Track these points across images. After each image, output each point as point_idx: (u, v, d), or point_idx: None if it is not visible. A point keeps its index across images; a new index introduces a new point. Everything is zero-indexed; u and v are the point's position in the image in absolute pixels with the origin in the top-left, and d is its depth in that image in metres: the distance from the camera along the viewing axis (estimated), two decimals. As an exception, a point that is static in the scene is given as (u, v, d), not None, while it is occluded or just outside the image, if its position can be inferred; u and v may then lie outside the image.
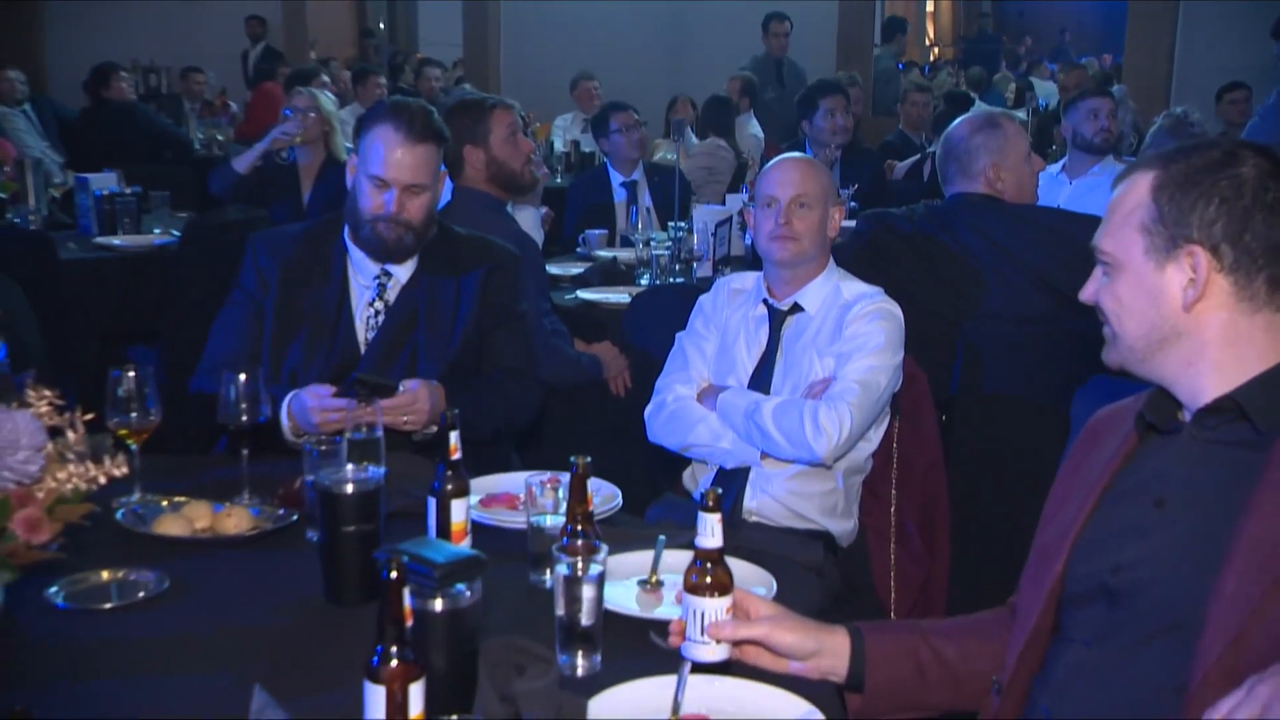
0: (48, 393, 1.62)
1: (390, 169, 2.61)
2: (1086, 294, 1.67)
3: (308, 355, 2.65)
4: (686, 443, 2.66)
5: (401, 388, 2.42)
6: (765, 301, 2.72)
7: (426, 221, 2.69)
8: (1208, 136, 1.64)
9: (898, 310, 2.64)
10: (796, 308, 2.69)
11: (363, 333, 2.71)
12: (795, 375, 2.63)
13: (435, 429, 2.44)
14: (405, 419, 2.43)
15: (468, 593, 1.49)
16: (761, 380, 2.66)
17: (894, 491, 2.73)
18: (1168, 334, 1.56)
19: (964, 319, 3.15)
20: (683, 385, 2.71)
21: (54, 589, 1.84)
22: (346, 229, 2.73)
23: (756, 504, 2.61)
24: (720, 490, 1.69)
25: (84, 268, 4.72)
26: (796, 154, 2.86)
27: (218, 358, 2.61)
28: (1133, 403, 1.68)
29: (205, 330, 2.78)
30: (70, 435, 1.61)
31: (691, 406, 2.67)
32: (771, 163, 2.77)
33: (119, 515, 2.11)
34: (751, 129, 7.97)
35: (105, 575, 1.91)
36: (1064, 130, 5.10)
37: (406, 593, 1.39)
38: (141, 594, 1.86)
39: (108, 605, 1.83)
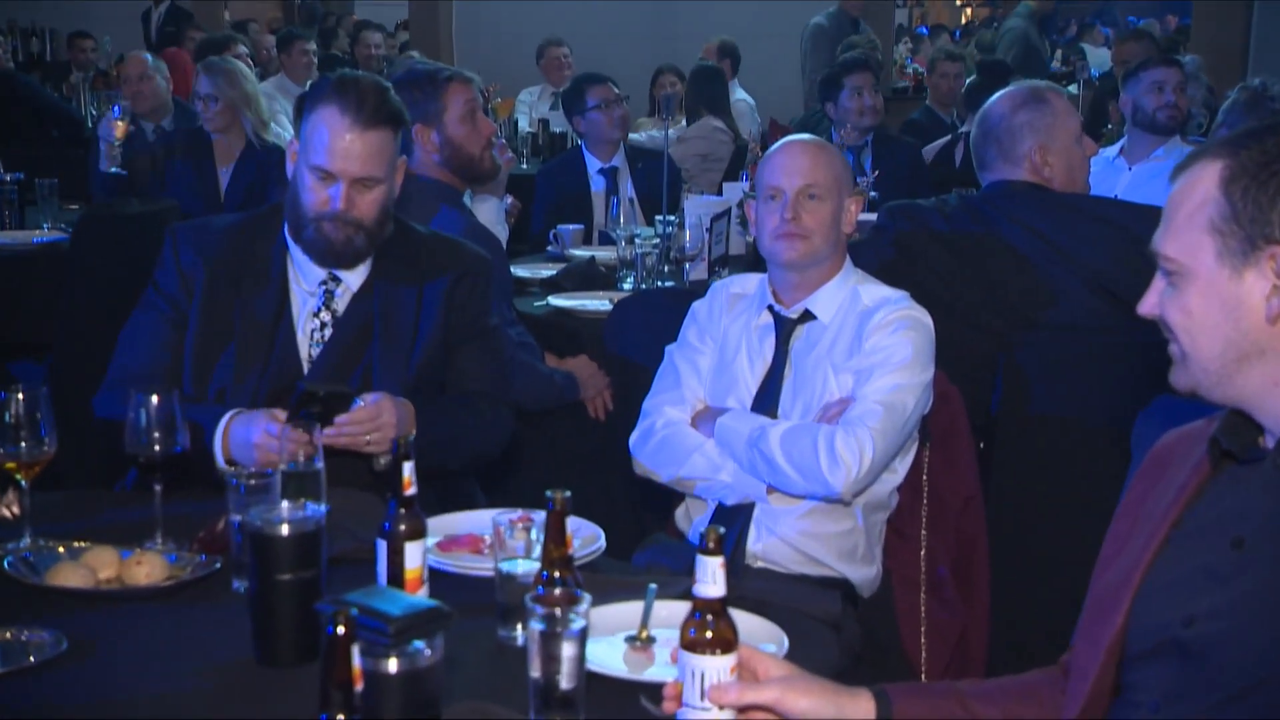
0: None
1: (336, 159, 2.61)
2: (1146, 306, 1.67)
3: (239, 372, 2.66)
4: (679, 475, 2.68)
5: (360, 401, 2.44)
6: (771, 308, 2.74)
7: (380, 219, 2.69)
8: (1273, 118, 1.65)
9: (927, 318, 2.67)
10: (808, 315, 2.71)
11: (305, 347, 2.72)
12: (807, 395, 2.66)
13: None
14: (368, 438, 2.45)
15: (427, 651, 1.50)
16: (767, 401, 2.69)
17: (924, 531, 2.75)
18: (1248, 351, 1.57)
19: (1007, 330, 3.19)
20: (674, 407, 2.73)
21: (-70, 654, 1.86)
22: (287, 225, 2.74)
23: (762, 547, 2.63)
24: (722, 529, 1.71)
25: (-43, 272, 4.73)
26: (804, 136, 2.88)
27: (128, 372, 2.62)
28: (1205, 426, 1.71)
29: (103, 340, 2.78)
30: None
31: (685, 433, 2.69)
32: (775, 147, 2.79)
33: (6, 564, 2.11)
34: (738, 96, 8.03)
35: (-9, 635, 1.91)
36: (1123, 106, 5.15)
37: (355, 651, 1.41)
38: (33, 657, 1.86)
39: (-4, 670, 1.84)
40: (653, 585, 2.04)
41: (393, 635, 1.48)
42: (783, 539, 2.63)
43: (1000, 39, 10.59)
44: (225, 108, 5.29)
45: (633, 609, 2.03)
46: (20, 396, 2.18)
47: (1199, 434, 1.71)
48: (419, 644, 1.50)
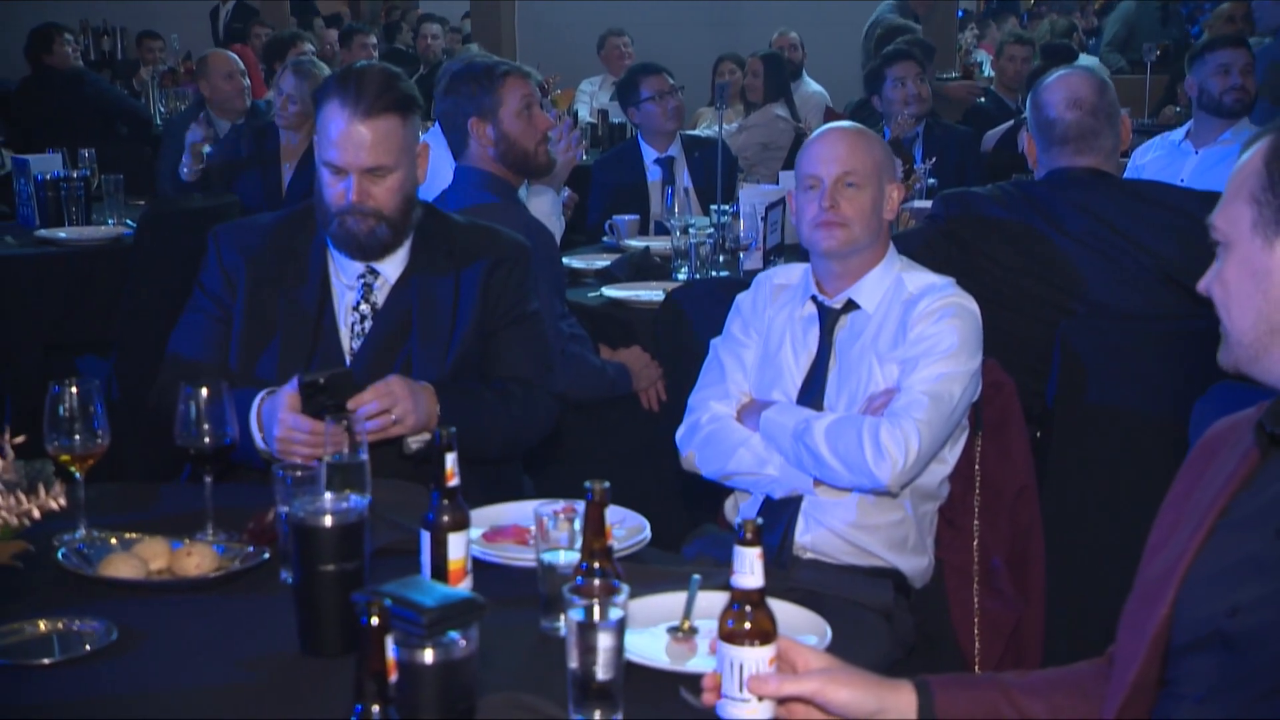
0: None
1: (343, 152, 2.63)
2: (1203, 284, 1.68)
3: (283, 367, 2.68)
4: (726, 470, 2.67)
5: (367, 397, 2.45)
6: (814, 299, 2.73)
7: (401, 207, 2.70)
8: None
9: (973, 305, 2.64)
10: (851, 305, 2.69)
11: (347, 340, 2.75)
12: (852, 385, 2.64)
13: (430, 435, 2.47)
14: (393, 416, 2.46)
15: (462, 642, 1.52)
16: (812, 392, 2.67)
17: (977, 522, 2.73)
18: (1276, 325, 1.57)
19: (1065, 318, 3.15)
20: (719, 402, 2.72)
21: (-17, 643, 1.90)
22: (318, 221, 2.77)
23: (810, 539, 2.62)
24: (760, 520, 1.70)
25: (22, 266, 4.82)
26: (844, 123, 2.86)
27: (178, 371, 2.66)
28: (1254, 413, 1.69)
29: (166, 336, 2.83)
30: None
31: (731, 427, 2.68)
32: (813, 135, 2.78)
33: (61, 555, 2.15)
34: (810, 88, 8.00)
35: (43, 626, 1.95)
36: (1188, 88, 5.07)
37: (389, 642, 1.42)
38: (86, 647, 1.90)
39: (46, 661, 1.87)
40: (696, 576, 2.03)
41: (427, 626, 1.49)
42: (831, 531, 2.62)
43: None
44: (302, 108, 5.35)
45: (676, 600, 2.03)
46: (74, 390, 2.22)
47: (1248, 421, 1.69)
48: (454, 635, 1.52)
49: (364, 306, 2.76)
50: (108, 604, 2.02)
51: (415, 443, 2.56)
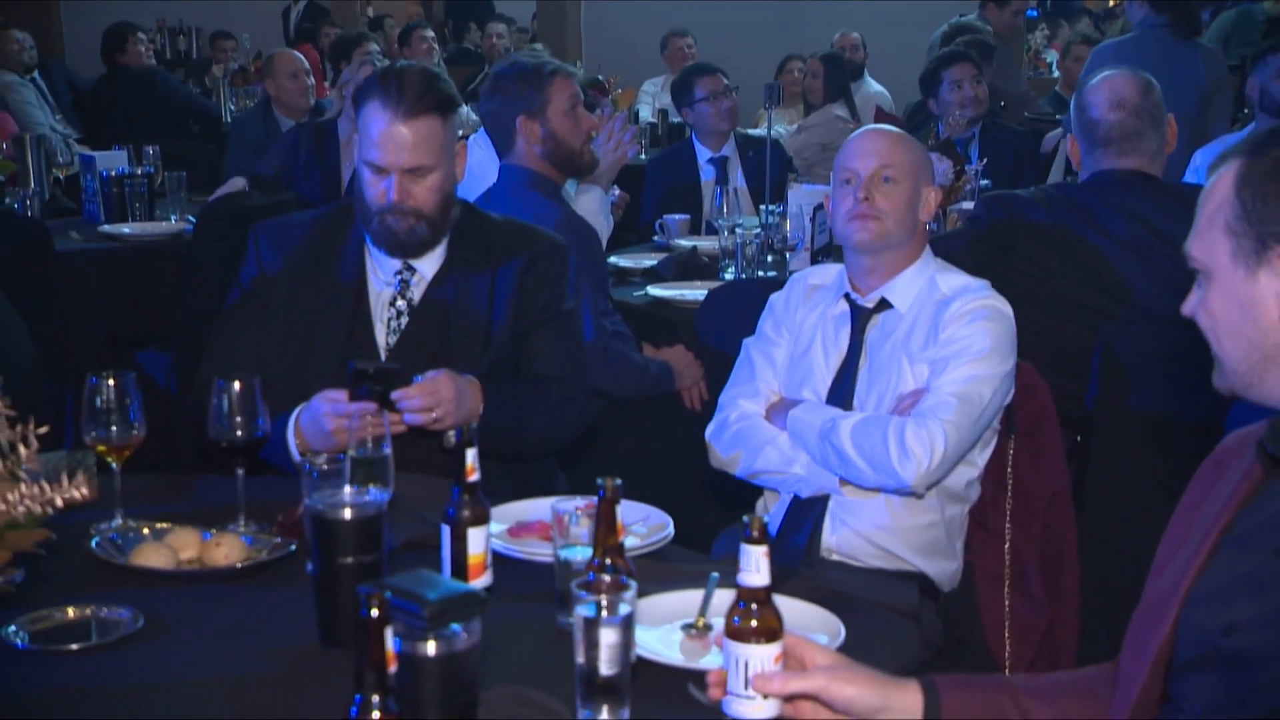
0: (-1, 402, 1.70)
1: (385, 153, 2.65)
2: (1186, 308, 1.66)
3: (319, 362, 2.72)
4: (754, 469, 2.67)
5: (419, 378, 2.48)
6: (847, 296, 2.72)
7: (441, 205, 2.72)
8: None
9: (1006, 307, 2.61)
10: (884, 304, 2.68)
11: (383, 336, 2.78)
12: (882, 385, 2.63)
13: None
14: (434, 415, 2.48)
15: (464, 634, 1.52)
16: (842, 392, 2.66)
17: (1009, 526, 2.70)
18: (1270, 352, 1.54)
19: (1105, 322, 3.12)
20: (748, 400, 2.71)
21: (12, 628, 1.93)
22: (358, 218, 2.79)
23: (837, 540, 2.61)
24: (766, 518, 1.71)
25: (86, 260, 4.89)
26: (883, 125, 2.86)
27: (214, 368, 2.69)
28: (1260, 429, 1.66)
29: None
30: (22, 451, 1.68)
31: (758, 425, 2.67)
32: (852, 134, 2.78)
33: (94, 544, 2.19)
34: (872, 88, 7.96)
35: (72, 613, 1.98)
36: (1250, 91, 4.98)
37: (389, 633, 1.44)
38: (112, 634, 1.93)
39: (73, 646, 1.90)
40: (714, 574, 2.04)
41: (428, 619, 1.50)
42: (858, 532, 2.60)
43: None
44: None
45: (694, 597, 2.03)
46: (110, 383, 2.26)
47: (1253, 437, 1.67)
48: (456, 627, 1.52)
49: (400, 302, 2.78)
50: (137, 592, 2.05)
51: (453, 438, 2.58)
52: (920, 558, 2.61)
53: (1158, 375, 3.03)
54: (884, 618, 2.47)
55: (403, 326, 2.77)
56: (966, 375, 2.52)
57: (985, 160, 4.93)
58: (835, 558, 2.61)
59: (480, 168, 3.94)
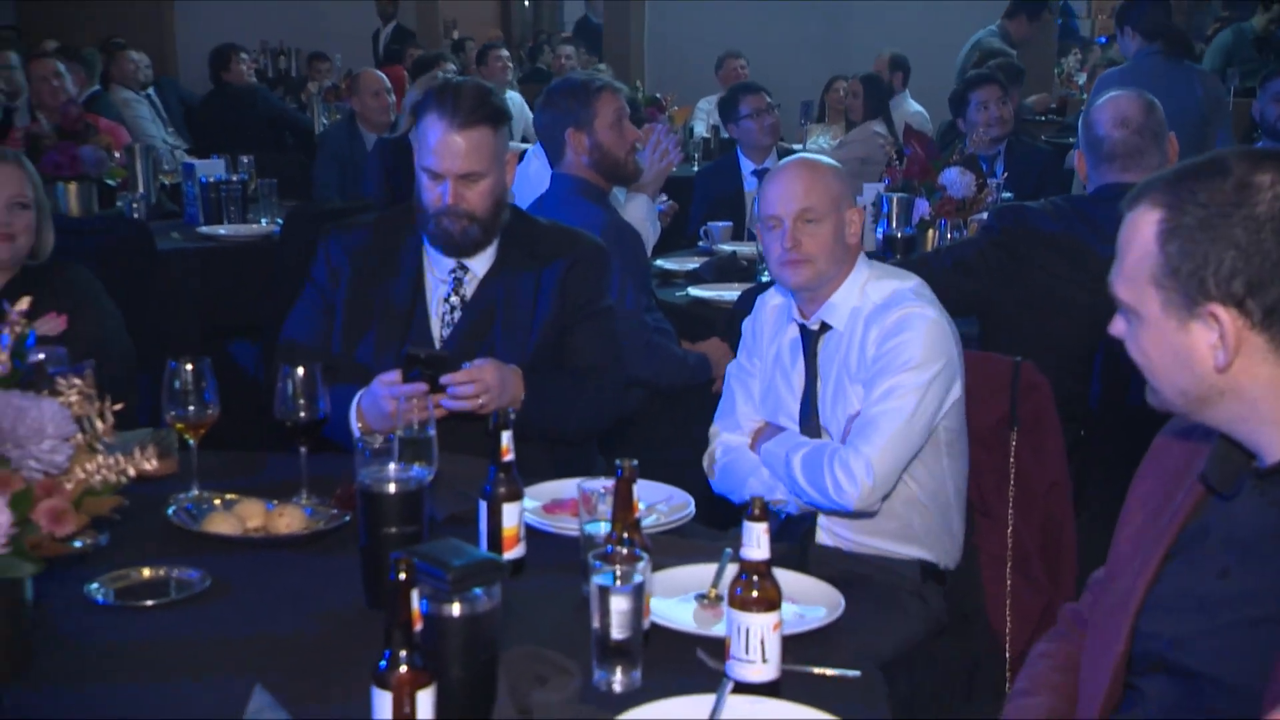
0: (78, 382, 1.74)
1: (441, 159, 2.69)
2: (1115, 330, 1.60)
3: (379, 352, 2.75)
4: (744, 497, 2.60)
5: (466, 365, 2.50)
6: (797, 321, 2.63)
7: (492, 210, 2.75)
8: (1219, 152, 1.50)
9: (928, 310, 2.49)
10: (826, 326, 2.58)
11: (437, 329, 2.81)
12: (842, 405, 2.54)
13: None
14: (481, 401, 2.50)
15: (485, 598, 1.55)
16: (808, 415, 2.59)
17: (1011, 512, 2.67)
18: (1207, 393, 1.48)
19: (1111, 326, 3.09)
20: (730, 433, 2.68)
21: (95, 585, 1.98)
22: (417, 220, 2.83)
23: (831, 543, 2.57)
24: (767, 499, 1.72)
25: (185, 258, 4.97)
26: (799, 157, 2.69)
27: (287, 354, 2.74)
28: (1203, 447, 1.61)
29: None
30: (99, 425, 1.73)
31: (742, 458, 2.63)
32: (771, 173, 2.65)
33: (170, 512, 2.24)
34: (911, 107, 7.91)
35: (147, 573, 2.04)
36: (1254, 113, 4.91)
37: (415, 596, 1.46)
38: (183, 593, 1.98)
39: (148, 603, 1.96)
40: (728, 549, 2.04)
41: (452, 583, 1.53)
42: (846, 538, 2.56)
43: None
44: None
45: (709, 570, 2.04)
46: (189, 367, 2.31)
47: (1198, 454, 1.62)
48: (478, 591, 1.54)
49: (454, 299, 2.81)
50: (206, 557, 2.09)
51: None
52: (914, 547, 2.55)
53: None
54: (887, 594, 2.47)
55: (455, 320, 2.80)
56: (888, 389, 2.43)
57: (1007, 175, 4.89)
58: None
59: (538, 176, 3.98)
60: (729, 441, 2.68)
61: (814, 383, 2.60)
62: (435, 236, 2.76)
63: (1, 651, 1.70)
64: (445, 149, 2.69)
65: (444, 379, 2.47)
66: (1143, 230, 1.50)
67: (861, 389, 2.49)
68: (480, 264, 2.81)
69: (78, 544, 1.99)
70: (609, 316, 2.88)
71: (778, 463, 2.54)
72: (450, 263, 2.81)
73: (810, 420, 2.59)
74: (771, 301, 2.73)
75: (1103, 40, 15.65)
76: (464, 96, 2.69)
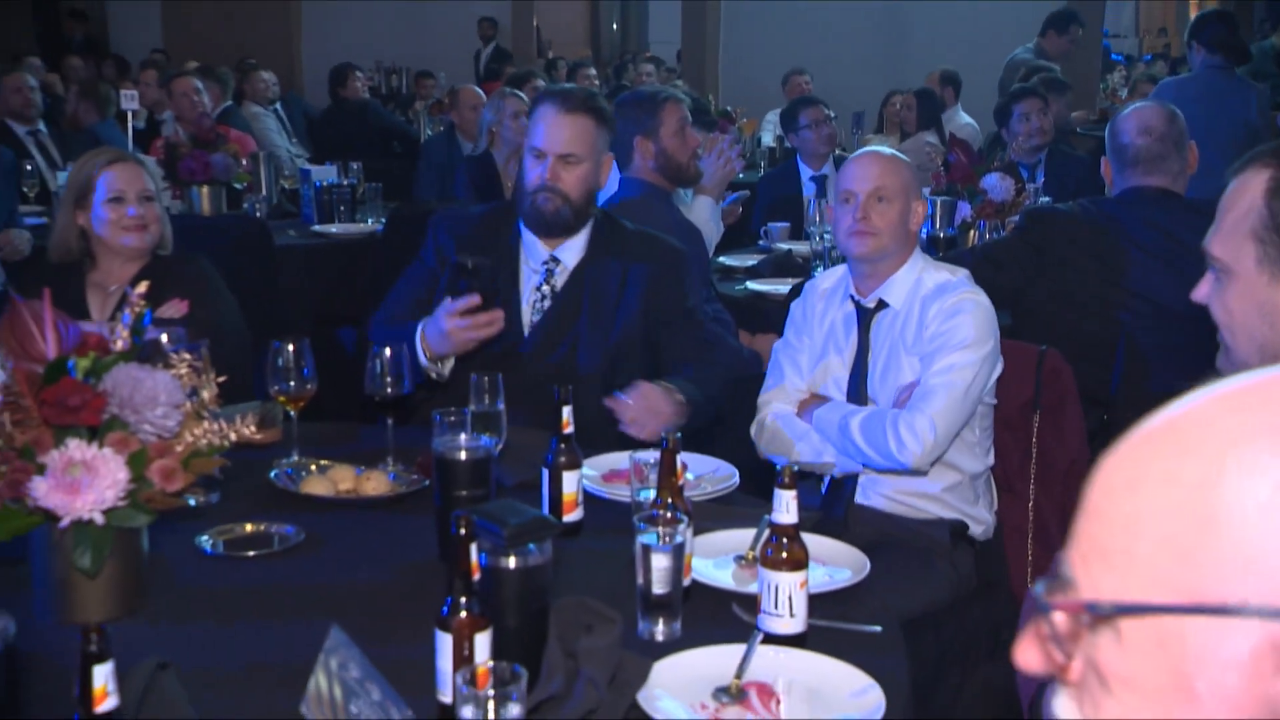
0: (188, 357, 1.79)
1: (545, 139, 2.73)
2: (1198, 294, 1.55)
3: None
4: (791, 461, 2.61)
5: (627, 398, 2.48)
6: (852, 298, 2.65)
7: (584, 196, 2.77)
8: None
9: (982, 298, 2.51)
10: (882, 304, 2.60)
11: (528, 316, 2.82)
12: (892, 377, 2.55)
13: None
14: (647, 430, 2.43)
15: (538, 553, 1.56)
16: (857, 386, 2.60)
17: (1032, 488, 2.65)
18: None
19: (1133, 319, 3.05)
20: (779, 402, 2.68)
21: (205, 537, 2.04)
22: (518, 209, 2.85)
23: (868, 504, 2.57)
24: (796, 467, 1.72)
25: (299, 253, 5.04)
26: (877, 147, 2.76)
27: (387, 314, 2.77)
28: None
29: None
30: (205, 395, 1.77)
31: (790, 423, 2.63)
32: (851, 157, 2.71)
33: (272, 475, 2.29)
34: (962, 119, 7.81)
35: (249, 528, 2.09)
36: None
37: (475, 549, 1.49)
38: (281, 546, 2.04)
39: (250, 554, 2.01)
40: (766, 516, 2.03)
41: (508, 539, 1.55)
42: (887, 498, 2.56)
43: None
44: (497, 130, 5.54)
45: (749, 534, 2.05)
46: (290, 348, 2.35)
47: None
48: (532, 547, 1.56)
49: (545, 288, 2.82)
50: (302, 515, 2.14)
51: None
52: (948, 512, 2.56)
53: (1176, 363, 2.94)
54: (918, 556, 2.45)
55: (545, 308, 2.81)
56: (948, 365, 2.45)
57: (1046, 181, 4.81)
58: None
59: (609, 180, 3.99)
60: (779, 410, 2.68)
61: (865, 356, 2.61)
62: (529, 214, 2.78)
63: (120, 592, 1.76)
64: (550, 129, 2.73)
65: (609, 402, 2.48)
66: (1252, 187, 1.48)
67: (918, 362, 2.51)
68: (570, 257, 2.82)
69: (191, 501, 2.07)
70: (694, 314, 2.88)
71: (831, 428, 2.55)
72: (544, 254, 2.82)
73: (858, 391, 2.61)
74: (823, 285, 2.75)
75: (1147, 58, 15.34)
76: (573, 92, 2.78)
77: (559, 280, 2.83)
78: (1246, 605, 0.61)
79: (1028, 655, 0.69)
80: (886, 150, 2.72)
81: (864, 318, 2.63)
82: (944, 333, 2.49)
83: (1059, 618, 0.66)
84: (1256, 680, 0.61)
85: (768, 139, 8.17)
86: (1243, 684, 0.61)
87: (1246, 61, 5.60)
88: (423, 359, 2.59)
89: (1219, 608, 0.61)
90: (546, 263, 2.83)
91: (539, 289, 2.83)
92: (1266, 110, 5.49)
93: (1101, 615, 0.65)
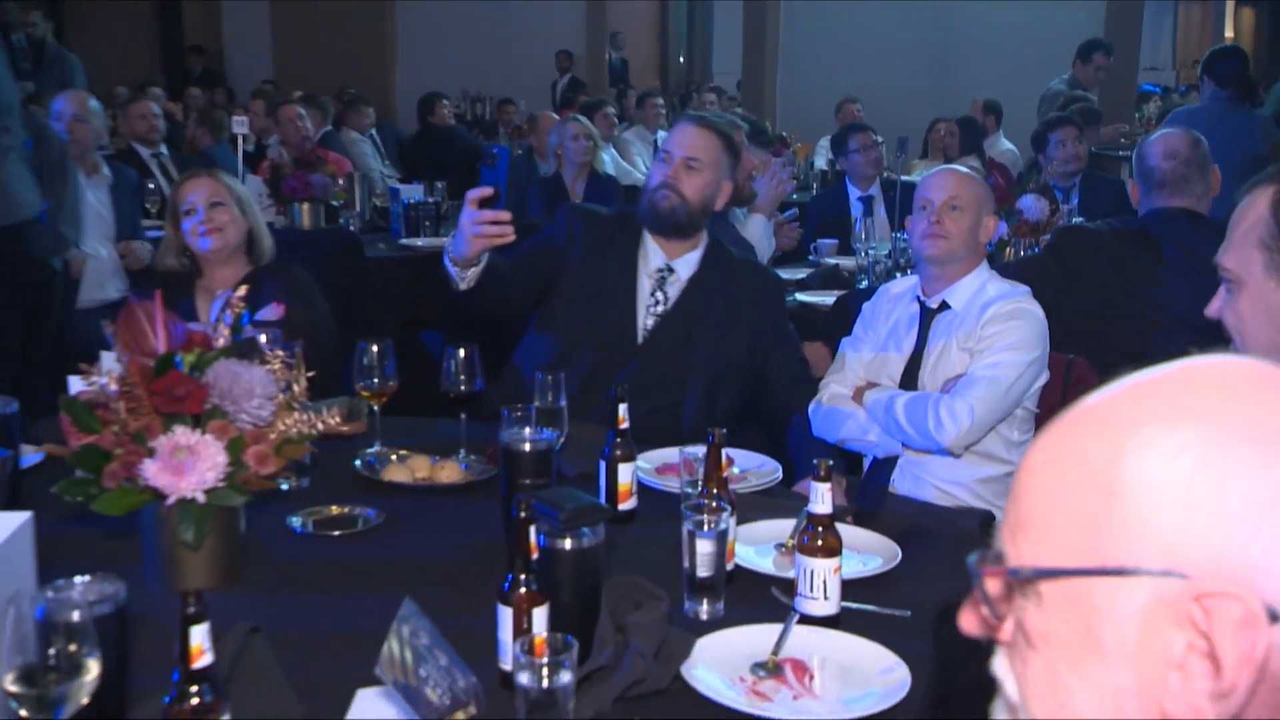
0: (281, 354, 1.83)
1: (673, 142, 2.77)
2: (1211, 310, 1.57)
3: (588, 325, 2.77)
4: (840, 437, 2.65)
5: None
6: (918, 299, 2.69)
7: (701, 203, 2.77)
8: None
9: (1038, 310, 2.54)
10: (945, 305, 2.64)
11: (641, 318, 2.82)
12: (943, 370, 2.58)
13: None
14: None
15: (591, 535, 1.58)
16: (911, 377, 2.63)
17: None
18: None
19: (1160, 334, 2.99)
20: (837, 385, 2.70)
21: (296, 518, 2.09)
22: (639, 209, 2.86)
23: (907, 489, 2.57)
24: (830, 462, 1.72)
25: (389, 265, 5.11)
26: (956, 165, 2.81)
27: (500, 262, 2.75)
28: None
29: (480, 321, 2.96)
30: (296, 389, 1.81)
31: (844, 403, 2.66)
32: (929, 172, 2.74)
33: (356, 463, 2.33)
34: (1004, 146, 7.72)
35: (335, 510, 2.13)
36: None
37: (534, 531, 1.51)
38: (361, 526, 2.07)
39: (336, 533, 2.06)
40: (806, 508, 2.04)
41: (564, 522, 1.56)
42: (923, 481, 2.56)
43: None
44: (585, 144, 5.60)
45: (789, 524, 2.05)
46: (374, 348, 2.38)
47: None
48: (585, 530, 1.58)
49: (658, 294, 2.83)
50: (383, 499, 2.18)
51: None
52: (979, 503, 2.55)
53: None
54: (949, 545, 2.43)
55: (658, 313, 2.82)
56: (995, 361, 2.48)
57: (1079, 203, 4.75)
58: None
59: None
60: (836, 391, 2.70)
61: (921, 350, 2.63)
62: (646, 211, 2.78)
63: (219, 564, 1.81)
64: (680, 134, 2.77)
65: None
66: (1259, 203, 1.50)
67: (969, 357, 2.53)
68: (685, 269, 2.83)
69: (284, 485, 2.12)
70: (792, 335, 2.91)
71: (879, 407, 2.57)
72: (660, 262, 2.83)
73: (911, 382, 2.63)
74: (894, 289, 2.79)
75: (1182, 90, 15.03)
76: (712, 114, 2.85)
77: (672, 290, 2.82)
78: (1140, 567, 0.66)
79: (968, 620, 0.74)
80: (964, 169, 2.77)
81: (926, 317, 2.66)
82: (996, 333, 2.51)
83: (990, 584, 0.71)
84: (1151, 631, 0.66)
85: (820, 162, 8.13)
86: (1140, 635, 0.66)
87: (1252, 98, 5.59)
88: (452, 272, 2.61)
89: (1118, 570, 0.66)
90: (661, 270, 2.83)
91: (653, 294, 2.83)
92: (1272, 136, 5.43)
93: (1023, 579, 0.70)
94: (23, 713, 1.22)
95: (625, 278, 2.79)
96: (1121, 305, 3.07)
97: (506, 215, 2.52)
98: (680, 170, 2.72)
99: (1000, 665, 0.74)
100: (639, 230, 2.83)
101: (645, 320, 2.79)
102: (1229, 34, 17.54)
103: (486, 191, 2.49)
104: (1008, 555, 0.72)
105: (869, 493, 2.31)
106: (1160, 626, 0.65)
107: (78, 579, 1.33)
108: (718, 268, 2.81)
